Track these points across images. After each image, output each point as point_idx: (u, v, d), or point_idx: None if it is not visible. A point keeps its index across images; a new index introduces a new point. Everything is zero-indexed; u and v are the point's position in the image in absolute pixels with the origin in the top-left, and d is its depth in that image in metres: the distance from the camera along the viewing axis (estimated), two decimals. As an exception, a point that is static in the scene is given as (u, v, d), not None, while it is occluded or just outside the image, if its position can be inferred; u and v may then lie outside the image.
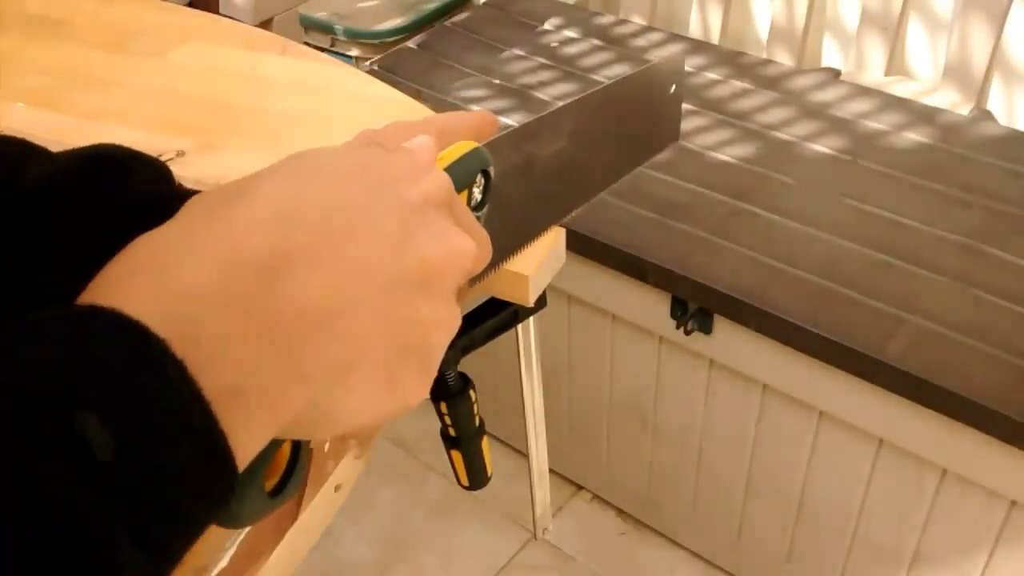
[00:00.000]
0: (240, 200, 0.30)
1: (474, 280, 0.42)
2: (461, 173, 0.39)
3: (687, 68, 1.49)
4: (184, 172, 0.69)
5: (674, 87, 0.58)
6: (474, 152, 0.40)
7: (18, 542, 0.22)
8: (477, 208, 0.41)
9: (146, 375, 0.25)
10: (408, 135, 0.46)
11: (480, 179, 0.41)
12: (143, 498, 0.24)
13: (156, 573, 0.25)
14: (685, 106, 1.40)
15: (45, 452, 0.23)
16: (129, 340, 0.25)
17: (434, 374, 0.34)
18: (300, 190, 0.31)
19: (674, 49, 1.55)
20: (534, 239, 0.50)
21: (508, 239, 0.47)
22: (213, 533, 0.44)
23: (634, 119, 0.57)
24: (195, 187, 0.67)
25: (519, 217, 0.48)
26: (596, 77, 1.48)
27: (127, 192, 0.42)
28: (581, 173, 0.53)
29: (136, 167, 0.44)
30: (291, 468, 0.33)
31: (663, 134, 0.60)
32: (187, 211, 0.30)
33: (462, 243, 0.34)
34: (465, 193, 0.40)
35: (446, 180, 0.36)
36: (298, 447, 0.34)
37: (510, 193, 0.45)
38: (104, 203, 0.41)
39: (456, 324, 0.34)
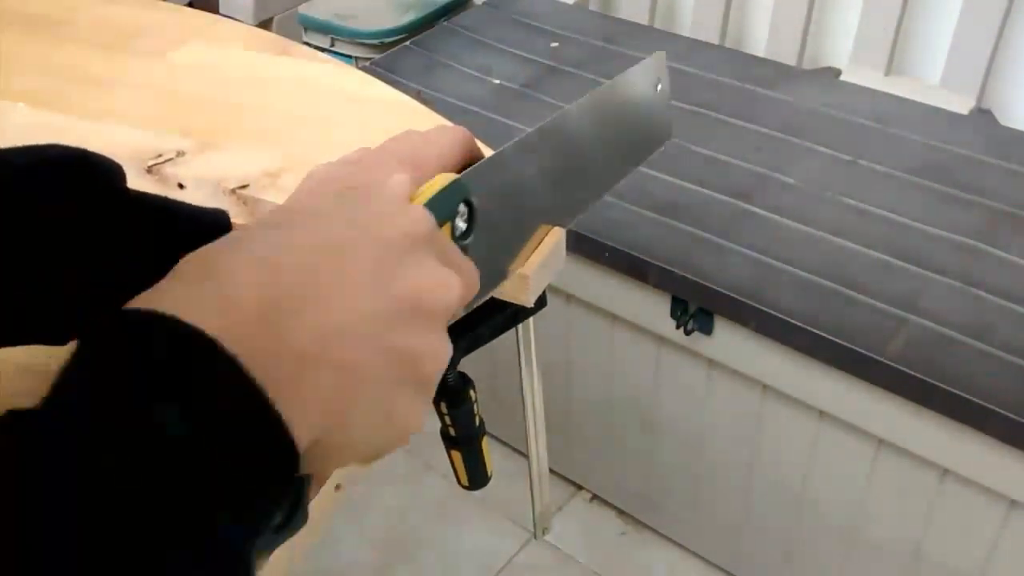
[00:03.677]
0: (228, 253, 0.31)
1: (469, 306, 0.43)
2: (441, 206, 0.39)
3: (689, 68, 1.49)
4: (185, 171, 0.69)
5: (660, 85, 0.58)
6: (454, 184, 0.41)
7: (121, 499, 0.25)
8: (462, 237, 0.41)
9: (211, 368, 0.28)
10: (394, 155, 0.47)
11: (463, 209, 0.41)
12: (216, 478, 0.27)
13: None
14: (685, 106, 1.40)
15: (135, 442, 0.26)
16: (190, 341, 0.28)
17: (428, 403, 0.35)
18: (284, 237, 0.32)
19: (670, 47, 1.54)
20: (530, 253, 0.51)
21: (501, 260, 0.48)
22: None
23: (621, 123, 0.57)
24: (195, 187, 0.67)
25: (510, 237, 0.48)
26: (595, 77, 1.48)
27: (79, 194, 0.42)
28: (572, 186, 0.53)
29: (88, 169, 0.44)
30: (296, 502, 0.33)
31: (654, 134, 0.60)
32: (181, 268, 0.31)
33: (446, 278, 0.35)
34: (448, 225, 0.40)
35: (425, 216, 0.36)
36: (301, 481, 0.34)
37: (498, 216, 0.45)
38: (56, 206, 0.42)
39: (447, 355, 0.35)
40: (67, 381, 0.27)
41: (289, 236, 0.32)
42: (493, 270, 0.48)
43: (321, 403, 0.30)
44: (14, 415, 0.26)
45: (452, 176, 0.41)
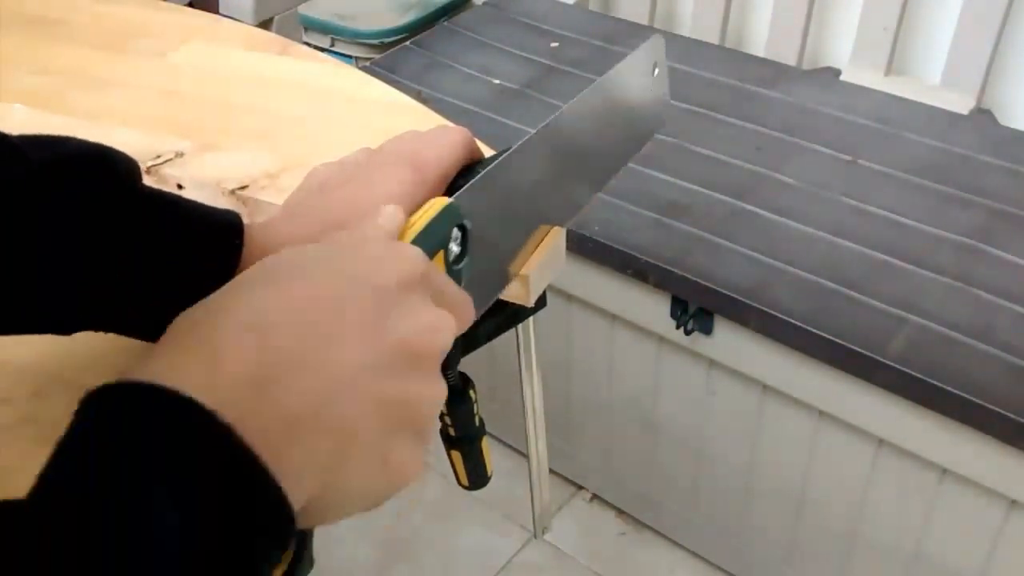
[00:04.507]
0: (220, 315, 0.31)
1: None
2: (434, 236, 0.39)
3: (689, 68, 1.49)
4: (184, 172, 0.69)
5: (657, 70, 0.58)
6: (446, 210, 0.40)
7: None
8: (456, 262, 0.41)
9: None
10: (396, 159, 0.47)
11: (457, 233, 0.41)
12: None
13: None
14: (685, 106, 1.40)
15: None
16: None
17: (428, 444, 0.35)
18: (272, 296, 0.32)
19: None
20: (530, 253, 0.51)
21: (501, 266, 0.48)
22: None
23: (618, 114, 0.56)
24: (194, 188, 0.67)
25: (511, 242, 0.48)
26: (595, 77, 1.47)
27: (96, 190, 0.43)
28: (572, 183, 0.53)
29: (105, 165, 0.44)
30: (299, 553, 0.33)
31: (649, 122, 0.60)
32: (173, 332, 0.31)
33: (439, 320, 0.35)
34: (441, 254, 0.40)
35: (417, 257, 0.36)
36: (303, 533, 0.34)
37: (496, 230, 0.45)
38: (73, 201, 0.42)
39: (442, 397, 0.35)
40: (57, 466, 0.27)
41: (278, 295, 0.32)
42: (492, 282, 0.48)
43: (316, 466, 0.30)
44: (1, 508, 0.26)
45: (444, 201, 0.40)
